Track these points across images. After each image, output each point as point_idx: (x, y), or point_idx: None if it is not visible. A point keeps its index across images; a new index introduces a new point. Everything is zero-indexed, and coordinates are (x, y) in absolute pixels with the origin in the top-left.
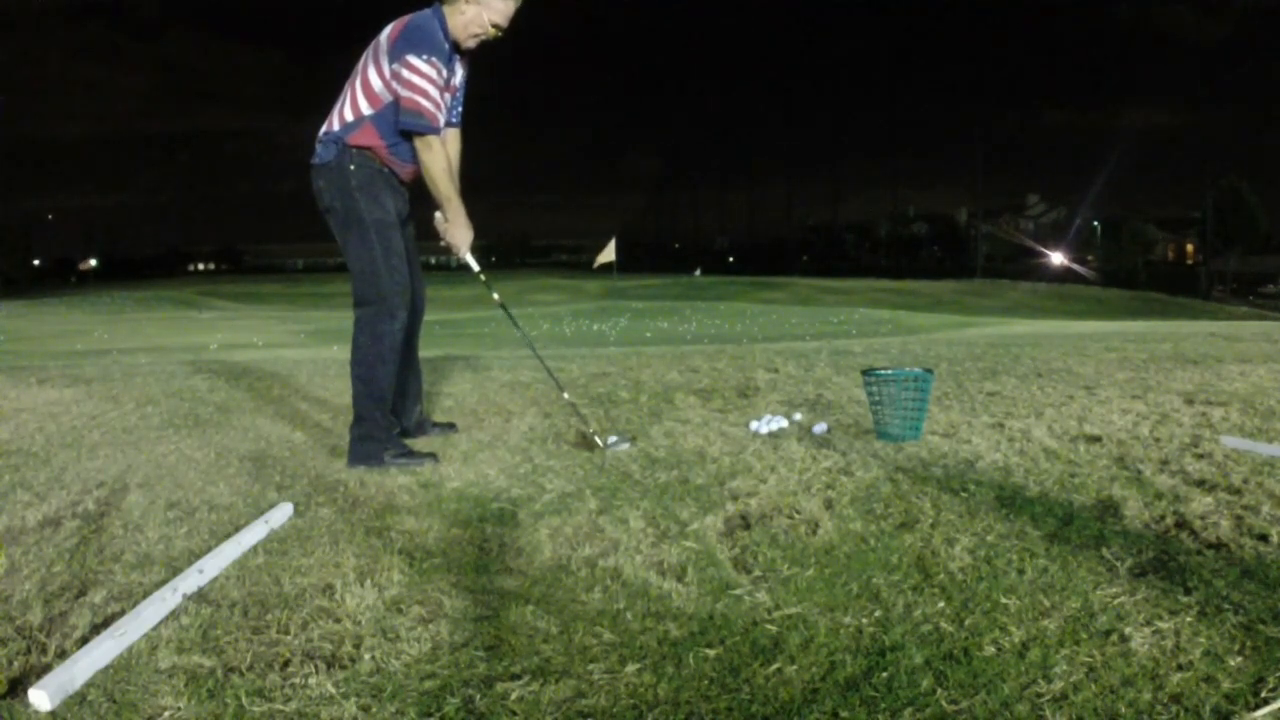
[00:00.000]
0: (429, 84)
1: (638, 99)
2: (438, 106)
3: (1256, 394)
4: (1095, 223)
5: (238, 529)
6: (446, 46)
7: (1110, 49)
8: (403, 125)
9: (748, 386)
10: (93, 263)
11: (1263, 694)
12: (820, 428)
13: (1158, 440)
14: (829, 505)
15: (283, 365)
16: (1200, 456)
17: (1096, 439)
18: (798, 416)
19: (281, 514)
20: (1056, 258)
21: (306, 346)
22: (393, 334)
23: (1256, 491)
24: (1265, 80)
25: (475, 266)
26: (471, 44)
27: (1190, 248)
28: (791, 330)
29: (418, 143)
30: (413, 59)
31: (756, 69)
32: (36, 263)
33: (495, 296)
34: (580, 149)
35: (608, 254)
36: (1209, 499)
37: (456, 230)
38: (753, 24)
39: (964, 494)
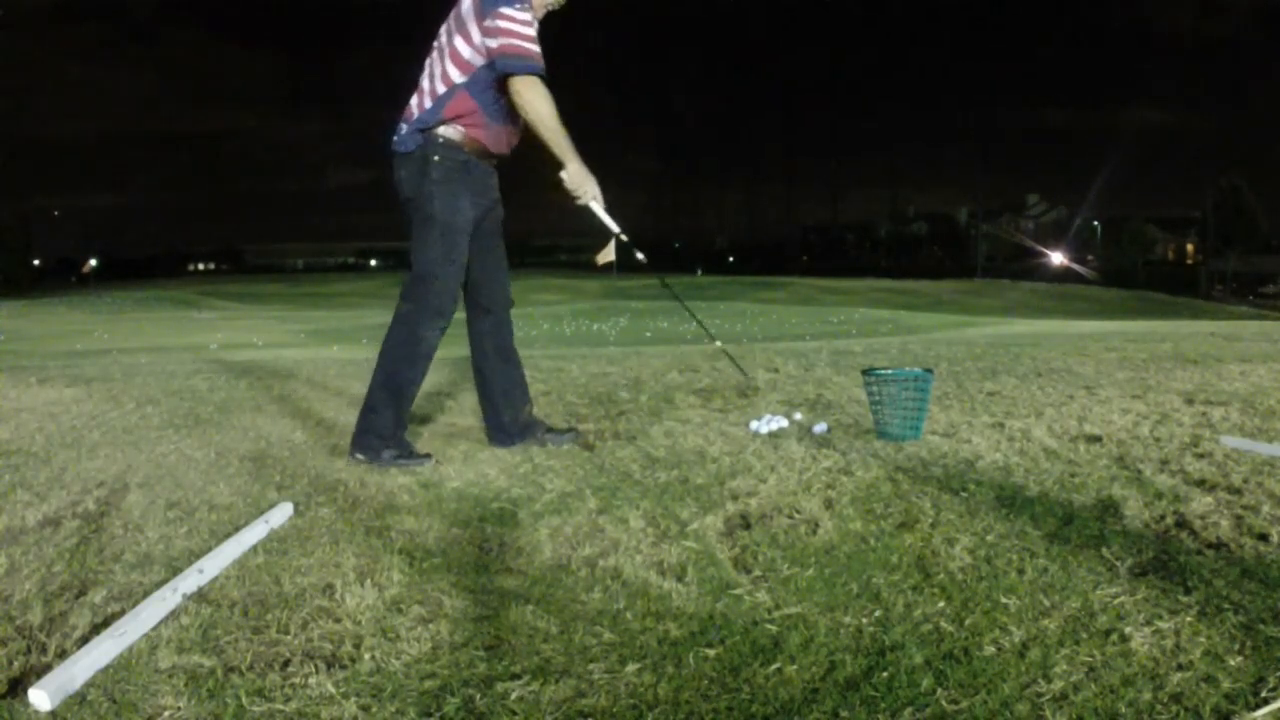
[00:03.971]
0: (525, 27)
1: (638, 98)
2: (537, 45)
3: (1256, 394)
4: (1095, 223)
5: (238, 529)
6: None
7: (1110, 49)
8: (503, 68)
9: (748, 386)
10: (93, 263)
11: (1263, 694)
12: (820, 428)
13: (1158, 440)
14: (829, 505)
15: (283, 365)
16: (1200, 456)
17: (1096, 439)
18: (798, 416)
19: (281, 514)
20: (1056, 258)
21: (306, 346)
22: (430, 339)
23: (1256, 491)
24: (1265, 80)
25: (610, 222)
26: (541, 14)
27: (1190, 248)
28: (791, 330)
29: (519, 84)
30: (505, 9)
31: (757, 68)
32: (37, 263)
33: (640, 256)
34: (580, 148)
35: (608, 253)
36: (1209, 499)
37: (578, 172)
38: (753, 23)
39: (964, 494)
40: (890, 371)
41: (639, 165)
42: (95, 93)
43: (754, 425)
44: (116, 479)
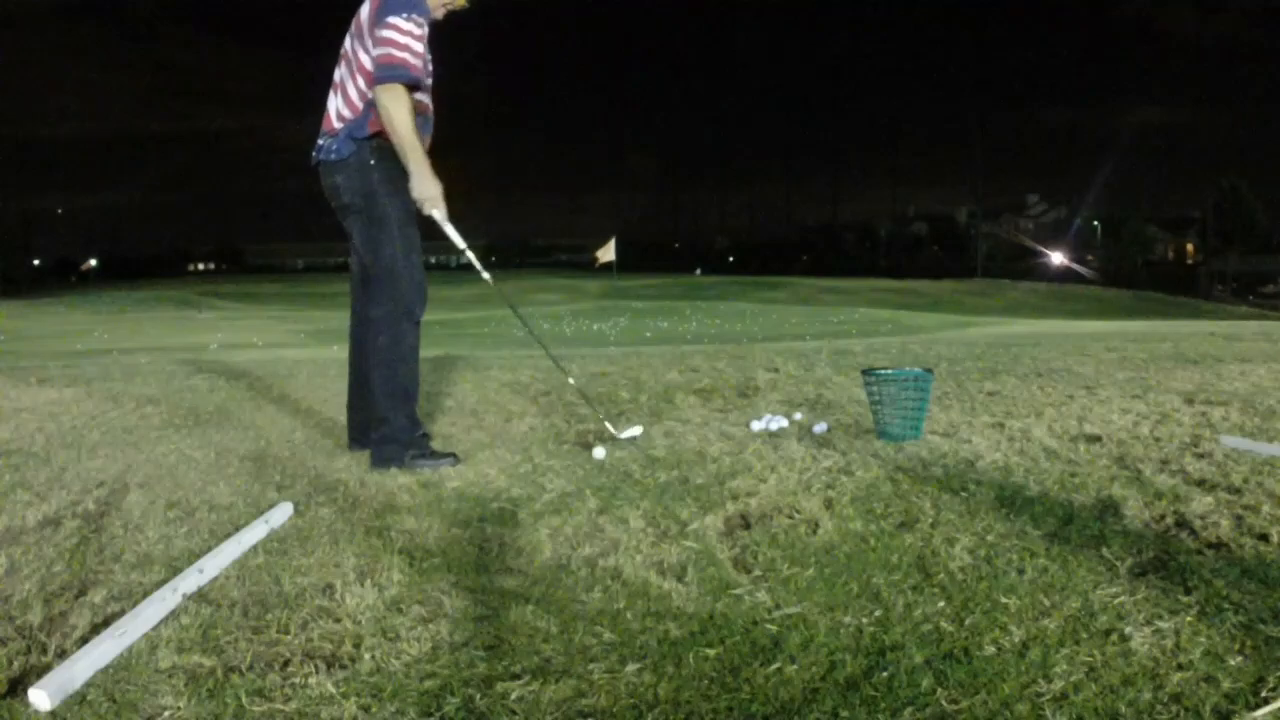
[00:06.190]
0: (409, 39)
1: (638, 98)
2: (418, 57)
3: (1256, 394)
4: (1095, 223)
5: (238, 529)
6: (429, 8)
7: (1110, 49)
8: (377, 79)
9: (748, 386)
10: (93, 263)
11: (1263, 694)
12: (820, 428)
13: (1158, 440)
14: (829, 505)
15: (283, 365)
16: (1200, 456)
17: (1096, 439)
18: (798, 416)
19: (281, 514)
20: (1056, 257)
21: (306, 346)
22: (412, 334)
23: (1256, 491)
24: (1265, 80)
25: (455, 235)
26: (440, 14)
27: (1190, 248)
28: (791, 330)
29: (379, 90)
30: (393, 19)
31: (757, 68)
32: (36, 263)
33: (485, 276)
34: (580, 148)
35: (607, 253)
36: (1209, 499)
37: (423, 182)
38: (753, 23)
39: (964, 494)
40: (890, 371)
41: (639, 165)
42: (95, 93)
43: (755, 425)
44: (116, 479)
